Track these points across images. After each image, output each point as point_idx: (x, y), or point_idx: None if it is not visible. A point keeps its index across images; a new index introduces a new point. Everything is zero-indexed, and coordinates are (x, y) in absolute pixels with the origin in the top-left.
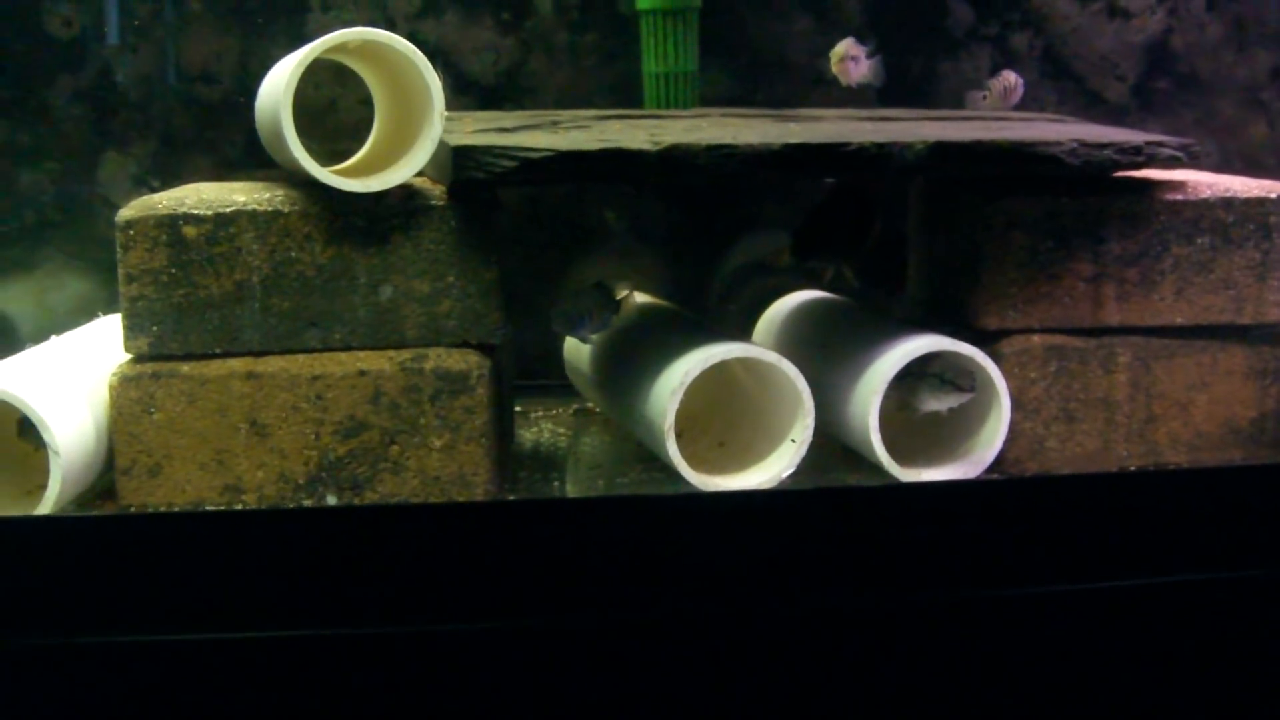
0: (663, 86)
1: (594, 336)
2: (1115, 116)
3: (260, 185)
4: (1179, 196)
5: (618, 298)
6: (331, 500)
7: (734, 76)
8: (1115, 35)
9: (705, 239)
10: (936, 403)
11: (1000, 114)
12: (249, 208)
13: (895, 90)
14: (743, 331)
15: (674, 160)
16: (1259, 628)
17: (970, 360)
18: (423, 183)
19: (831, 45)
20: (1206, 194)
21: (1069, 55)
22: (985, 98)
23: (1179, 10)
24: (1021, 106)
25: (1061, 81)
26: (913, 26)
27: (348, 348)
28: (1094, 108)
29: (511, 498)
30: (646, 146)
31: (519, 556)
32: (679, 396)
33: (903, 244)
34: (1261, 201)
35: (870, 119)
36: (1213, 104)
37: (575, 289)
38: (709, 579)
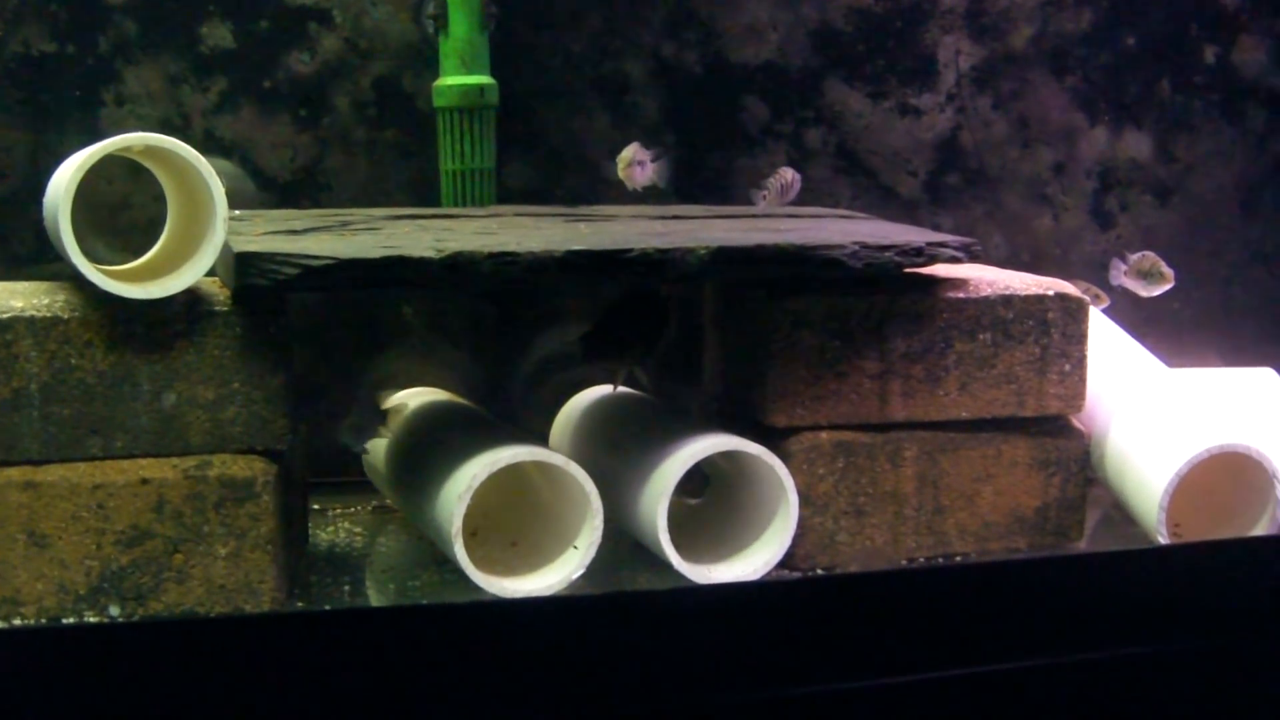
0: (459, 184)
1: (369, 445)
2: (908, 209)
3: (42, 288)
4: (961, 294)
5: (384, 407)
6: (114, 611)
7: (534, 170)
8: (906, 132)
9: (508, 333)
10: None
11: (791, 212)
12: (26, 314)
13: (692, 186)
14: (546, 425)
15: (457, 267)
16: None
17: (756, 459)
18: (211, 285)
19: (626, 143)
20: (987, 292)
21: (862, 151)
22: (765, 196)
23: (967, 109)
24: (817, 202)
25: (855, 177)
26: (709, 123)
27: (130, 455)
28: (888, 202)
29: (300, 605)
30: (429, 254)
31: (302, 667)
32: (466, 501)
33: (700, 340)
34: (1040, 299)
35: (663, 217)
36: (1000, 198)
37: (346, 399)
38: (493, 686)
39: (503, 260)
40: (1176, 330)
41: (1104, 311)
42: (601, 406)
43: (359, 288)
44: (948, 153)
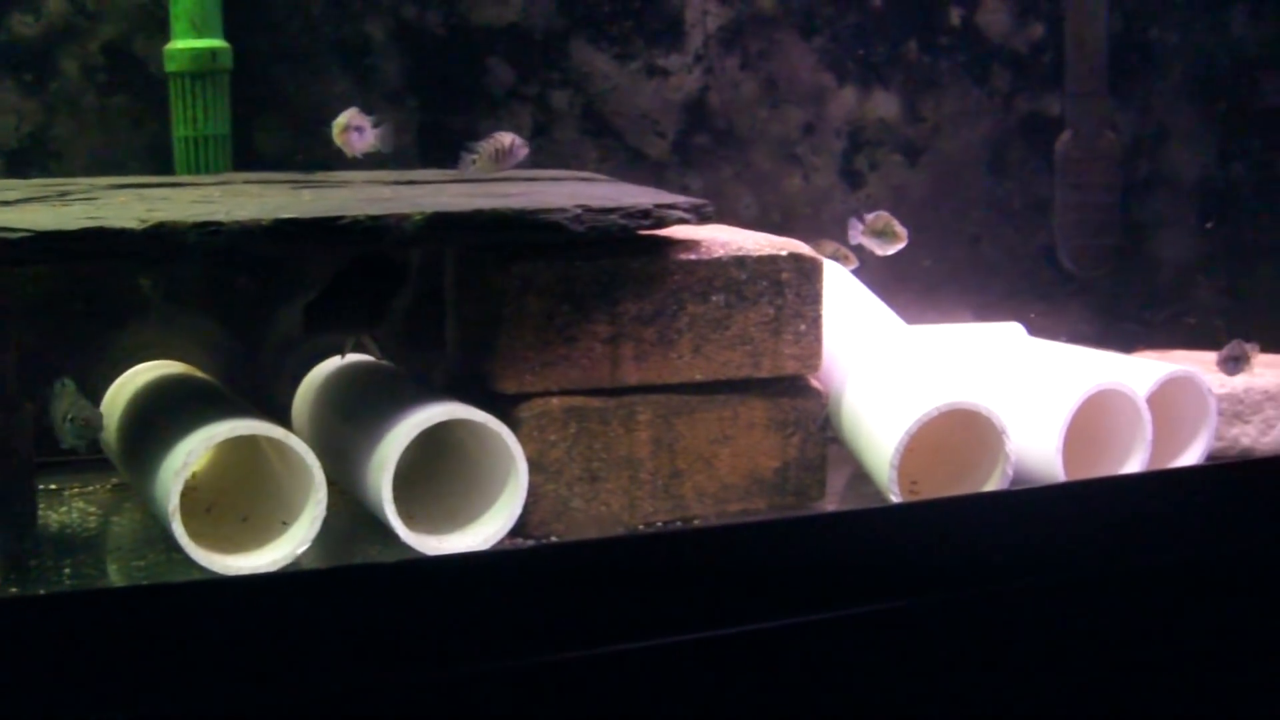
0: (193, 151)
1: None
2: (657, 171)
3: None
4: (693, 256)
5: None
6: None
7: (274, 137)
8: (654, 93)
9: (255, 303)
10: None
11: (530, 175)
12: None
13: (438, 150)
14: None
15: (161, 238)
16: (766, 676)
17: (482, 426)
18: None
19: (368, 107)
20: (720, 253)
21: (609, 113)
22: (474, 160)
23: (715, 69)
24: (564, 165)
25: (603, 139)
26: (452, 86)
27: None
28: (636, 164)
29: (13, 591)
30: (132, 225)
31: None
32: (183, 477)
33: (442, 307)
34: (773, 259)
35: (397, 183)
36: (750, 158)
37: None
38: (209, 667)
39: (207, 230)
40: (929, 287)
41: (854, 271)
42: (340, 376)
43: (62, 261)
44: (696, 114)
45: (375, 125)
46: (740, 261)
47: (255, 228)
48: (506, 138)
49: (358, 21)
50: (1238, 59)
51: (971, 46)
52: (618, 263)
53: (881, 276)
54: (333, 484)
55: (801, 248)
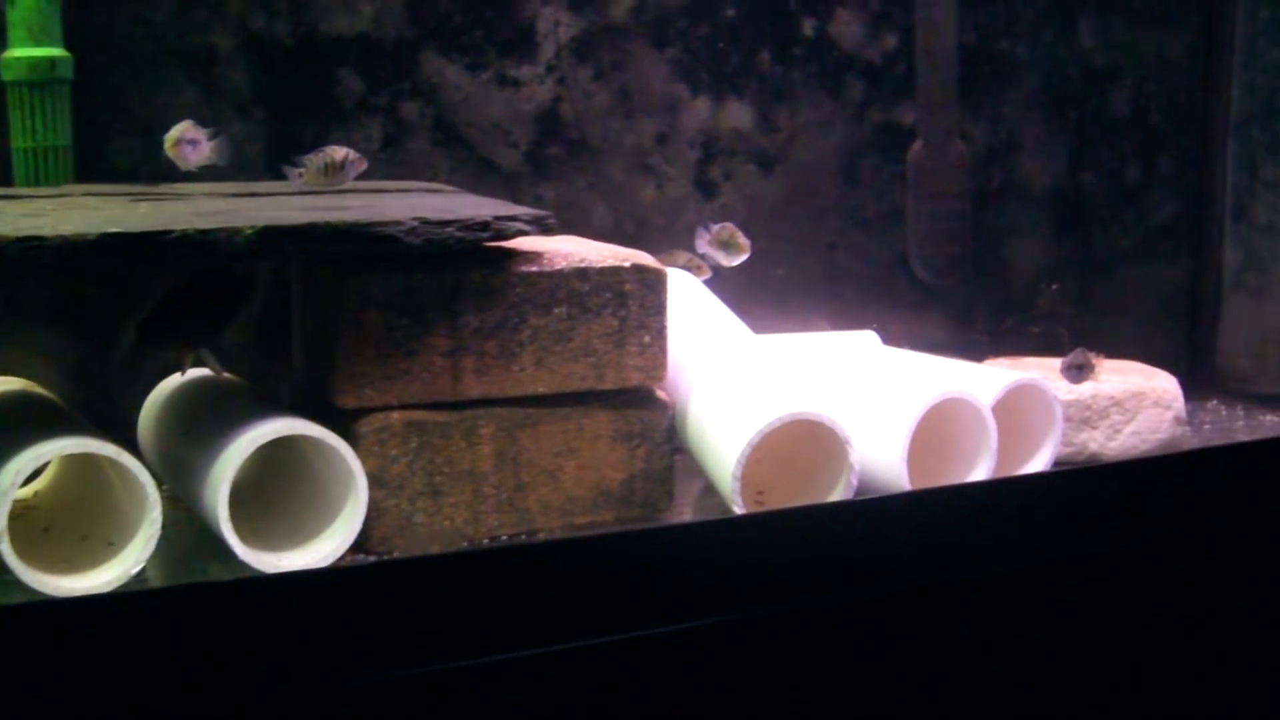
0: (32, 162)
1: None
2: (509, 182)
3: None
4: (535, 268)
5: None
6: None
7: (124, 150)
8: (506, 104)
9: (105, 316)
10: None
11: (378, 187)
12: None
13: (288, 161)
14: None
15: None
16: (608, 691)
17: (320, 442)
18: None
19: (216, 118)
20: (562, 265)
21: (460, 123)
22: (300, 174)
23: (567, 80)
24: (416, 176)
25: (454, 149)
26: (302, 97)
27: None
28: (487, 174)
29: None
30: None
31: None
32: (10, 498)
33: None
34: (616, 270)
35: (237, 195)
36: (603, 168)
37: None
38: (36, 691)
39: (29, 245)
40: (784, 296)
41: (710, 281)
42: (183, 392)
43: None
44: (549, 124)
45: (212, 138)
46: (583, 273)
47: (80, 242)
48: (339, 152)
49: (204, 31)
50: (1086, 70)
51: (825, 57)
52: (458, 275)
53: (737, 286)
54: (179, 502)
55: (645, 259)
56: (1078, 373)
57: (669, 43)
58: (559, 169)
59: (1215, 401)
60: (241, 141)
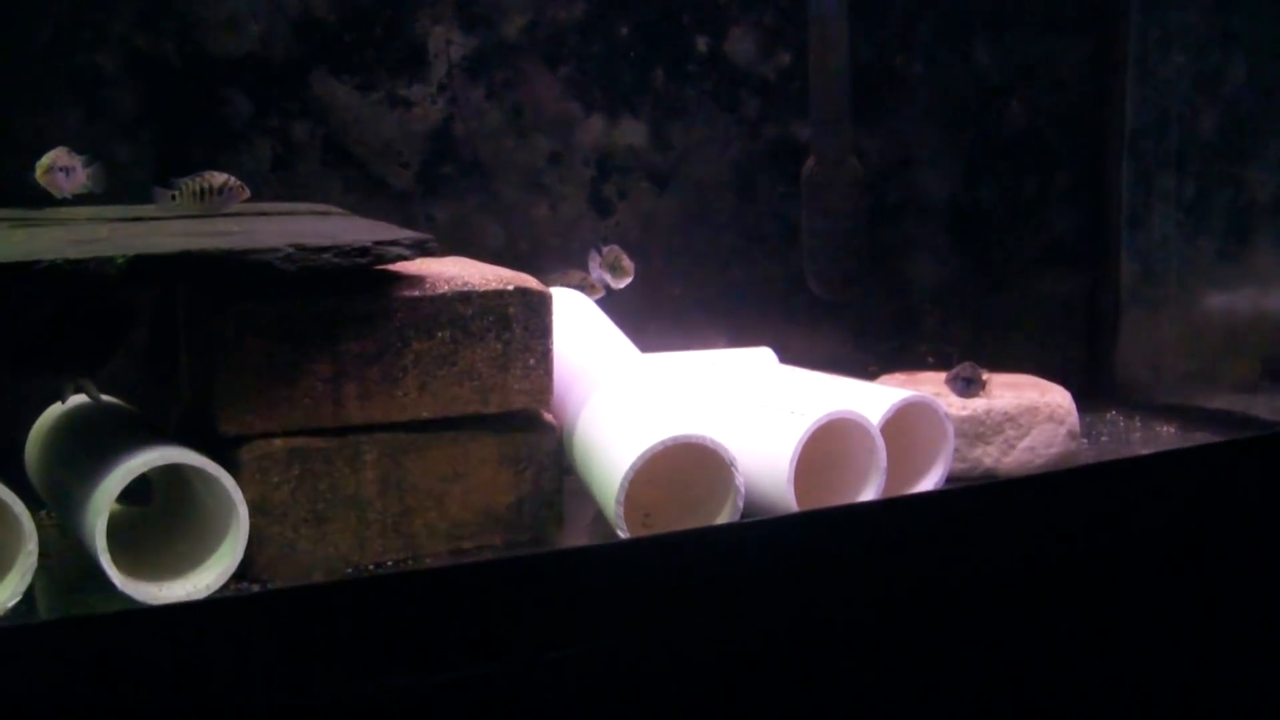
0: None
1: None
2: (401, 202)
3: None
4: (417, 293)
5: None
6: None
7: (6, 174)
8: (397, 124)
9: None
10: None
11: (262, 210)
12: None
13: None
14: None
15: None
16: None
17: (200, 471)
18: None
19: (101, 140)
20: (444, 289)
21: (351, 143)
22: (175, 197)
23: (459, 99)
24: (307, 198)
25: (345, 170)
26: (190, 118)
27: None
28: (378, 194)
29: None
30: None
31: None
32: None
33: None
34: (500, 294)
35: (121, 219)
36: (496, 188)
37: None
38: None
39: None
40: (682, 314)
41: (606, 299)
42: (66, 420)
43: None
44: (441, 144)
45: (87, 165)
46: (465, 297)
47: None
48: (218, 177)
49: (88, 51)
50: (982, 86)
51: (719, 74)
52: (339, 301)
53: (635, 304)
54: (66, 531)
55: (529, 281)
56: (965, 385)
57: (562, 60)
58: (451, 189)
59: (1114, 413)
60: (128, 163)
